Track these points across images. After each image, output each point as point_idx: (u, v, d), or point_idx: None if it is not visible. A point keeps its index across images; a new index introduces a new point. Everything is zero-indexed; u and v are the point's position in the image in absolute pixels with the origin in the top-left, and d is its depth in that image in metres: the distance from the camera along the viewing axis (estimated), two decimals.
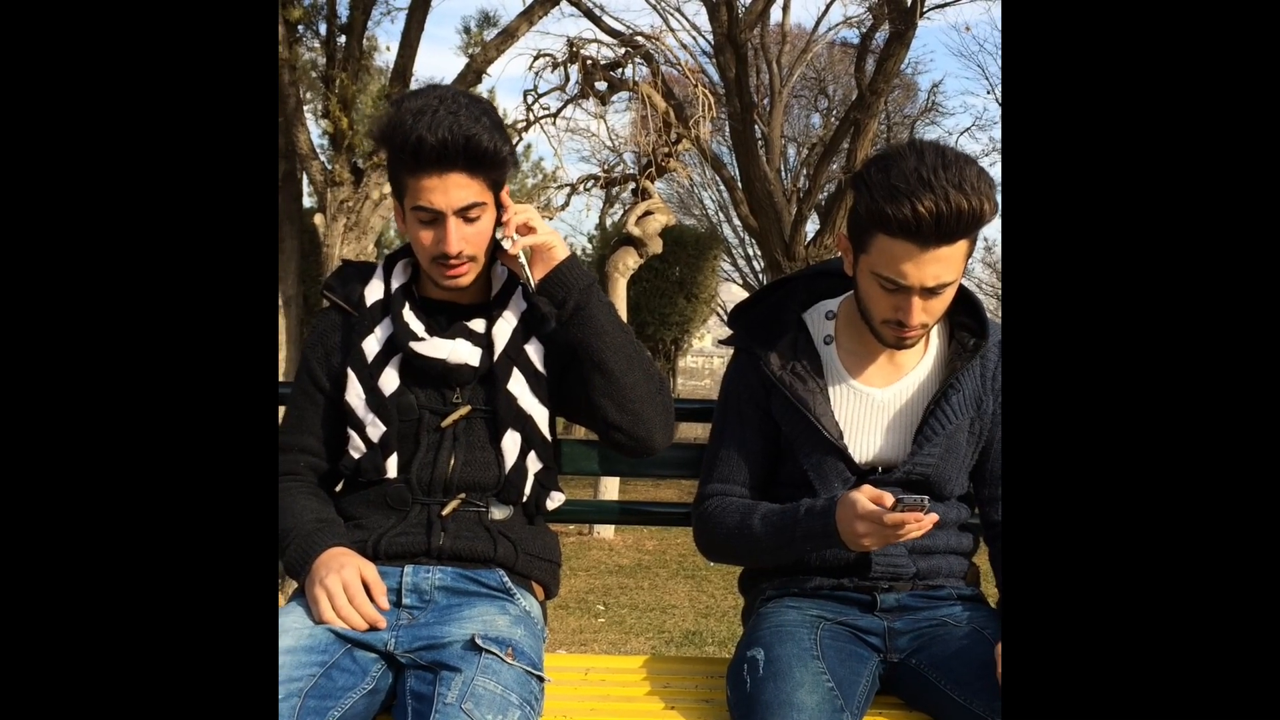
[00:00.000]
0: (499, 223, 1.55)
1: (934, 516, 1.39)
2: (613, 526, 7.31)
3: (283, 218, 5.18)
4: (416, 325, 1.57)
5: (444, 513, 1.55)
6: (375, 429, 1.54)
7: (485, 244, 1.54)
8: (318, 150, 5.04)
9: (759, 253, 13.58)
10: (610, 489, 7.28)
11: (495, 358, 1.57)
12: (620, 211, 7.52)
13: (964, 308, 1.61)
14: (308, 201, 5.69)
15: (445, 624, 1.47)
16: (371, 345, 1.57)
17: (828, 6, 21.01)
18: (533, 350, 1.60)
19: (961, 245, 1.44)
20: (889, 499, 1.39)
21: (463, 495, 1.56)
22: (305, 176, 5.18)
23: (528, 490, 1.59)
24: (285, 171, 5.22)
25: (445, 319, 1.59)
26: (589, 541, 7.11)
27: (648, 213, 6.75)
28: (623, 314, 7.62)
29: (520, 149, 18.00)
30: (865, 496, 1.41)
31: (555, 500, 1.63)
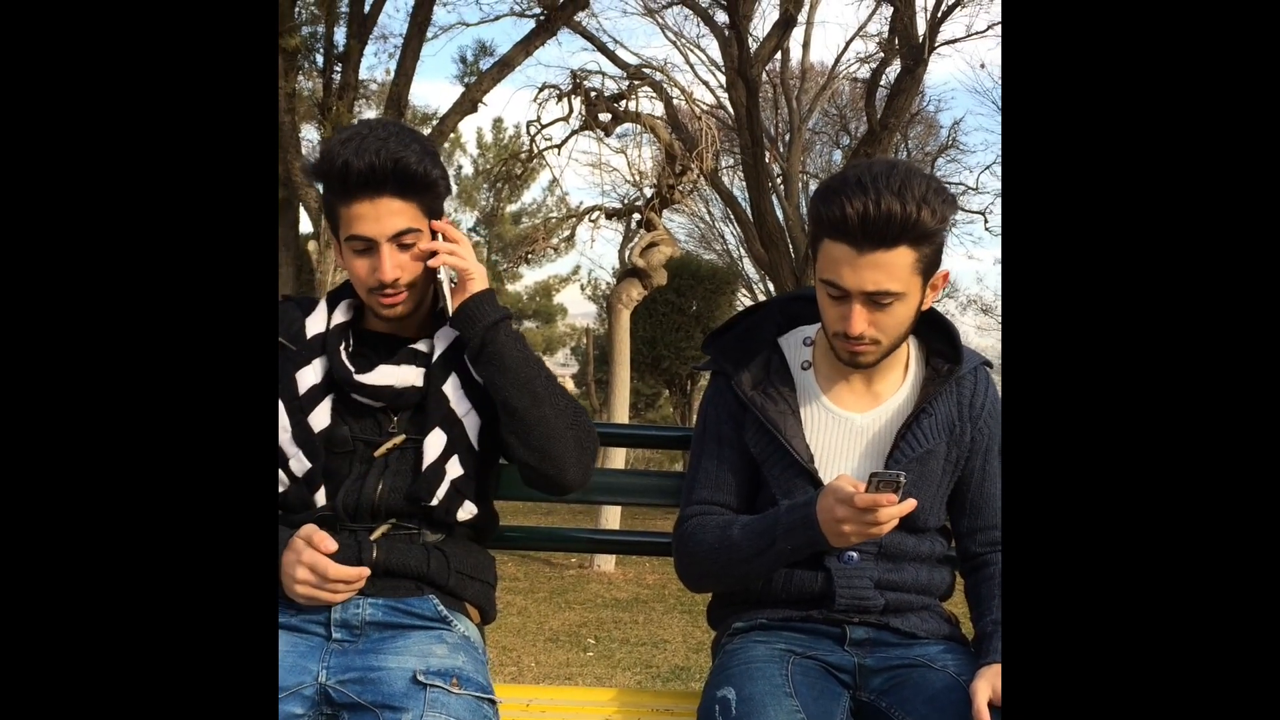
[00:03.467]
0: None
1: (911, 503, 1.36)
2: (613, 560, 7.25)
3: (280, 244, 5.22)
4: (350, 366, 1.55)
5: (372, 538, 1.51)
6: (299, 464, 1.51)
7: (421, 272, 1.53)
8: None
9: (775, 287, 13.60)
10: (612, 519, 7.24)
11: (433, 359, 1.56)
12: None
13: (938, 334, 1.60)
14: (306, 228, 5.74)
15: (380, 654, 1.43)
16: (307, 377, 1.54)
17: (846, 44, 21.10)
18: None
19: (902, 252, 1.41)
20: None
21: (392, 521, 1.53)
22: (301, 204, 5.22)
23: (441, 493, 1.53)
24: (282, 199, 5.26)
25: (388, 349, 1.57)
26: (588, 574, 7.05)
27: (652, 244, 6.77)
28: (626, 344, 7.65)
29: (545, 183, 18.25)
30: (845, 482, 1.38)
31: (468, 511, 1.56)
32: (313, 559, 1.43)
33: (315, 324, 1.58)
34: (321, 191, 1.53)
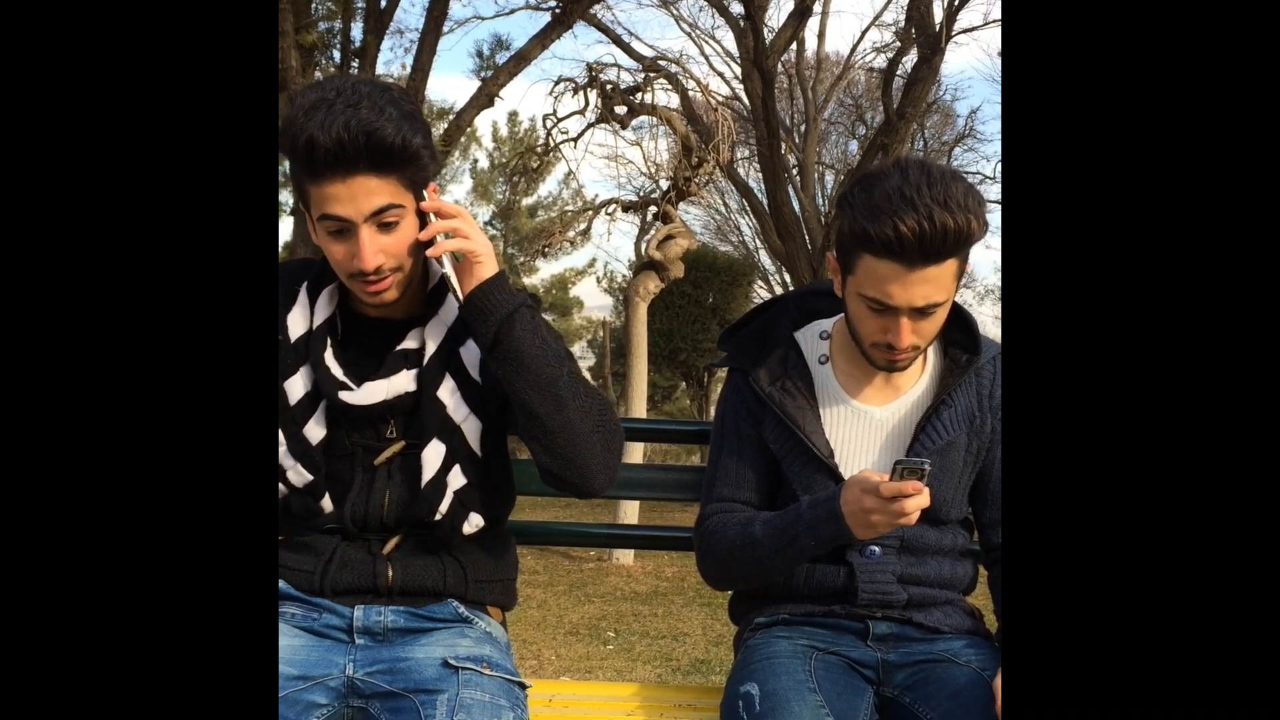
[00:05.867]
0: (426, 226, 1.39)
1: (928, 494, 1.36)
2: (632, 553, 7.26)
3: (298, 240, 5.25)
4: (338, 371, 1.42)
5: (384, 551, 1.45)
6: (299, 476, 1.43)
7: (408, 251, 1.36)
8: None
9: (792, 278, 13.58)
10: (630, 513, 7.25)
11: (424, 361, 1.42)
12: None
13: (956, 325, 1.58)
14: None
15: (407, 647, 1.42)
16: (296, 387, 1.42)
17: (862, 34, 20.99)
18: (468, 355, 1.45)
19: (950, 264, 1.40)
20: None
21: (404, 532, 1.46)
22: None
23: (443, 508, 1.43)
24: None
25: (378, 347, 1.45)
26: (607, 567, 7.07)
27: (669, 237, 6.77)
28: (644, 337, 7.64)
29: (561, 175, 18.11)
30: (867, 473, 1.38)
31: (473, 524, 1.45)
32: None
33: (295, 323, 1.43)
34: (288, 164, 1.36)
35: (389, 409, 1.43)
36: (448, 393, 1.43)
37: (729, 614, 1.74)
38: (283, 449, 1.42)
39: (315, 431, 1.42)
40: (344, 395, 1.40)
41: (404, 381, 1.43)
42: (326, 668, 1.38)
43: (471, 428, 1.44)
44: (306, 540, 1.47)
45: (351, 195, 1.29)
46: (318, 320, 1.44)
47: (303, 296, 1.45)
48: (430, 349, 1.43)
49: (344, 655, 1.41)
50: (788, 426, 1.54)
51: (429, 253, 1.37)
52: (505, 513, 1.60)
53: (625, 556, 7.25)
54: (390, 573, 1.44)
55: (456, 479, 1.44)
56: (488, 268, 1.37)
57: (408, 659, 1.40)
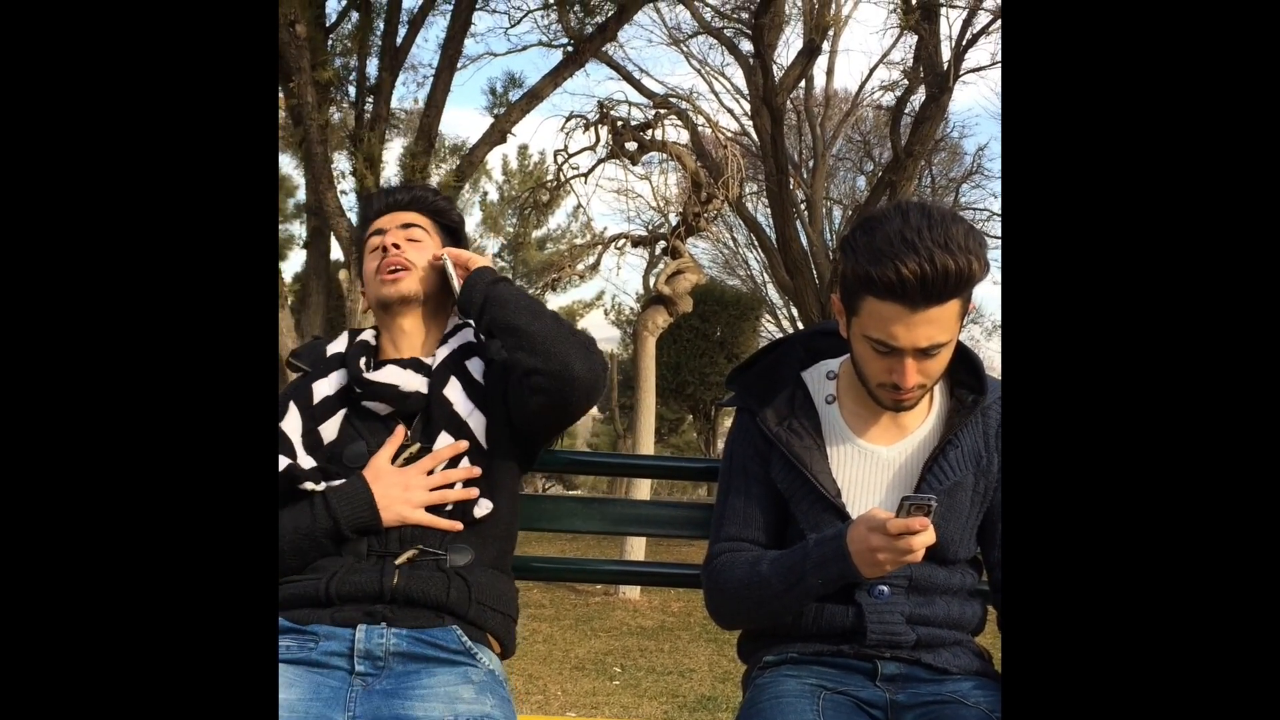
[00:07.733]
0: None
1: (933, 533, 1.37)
2: (638, 587, 7.23)
3: (311, 273, 5.30)
4: (361, 365, 1.66)
5: (397, 562, 1.51)
6: (306, 461, 1.58)
7: (423, 263, 1.70)
8: (345, 209, 5.17)
9: (800, 313, 13.62)
10: (637, 549, 7.22)
11: (434, 368, 1.64)
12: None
13: (962, 365, 1.60)
14: (336, 254, 5.83)
15: (407, 696, 1.41)
16: (322, 388, 1.65)
17: (870, 72, 21.20)
18: (474, 366, 1.66)
19: (953, 305, 1.42)
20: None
21: (419, 547, 1.53)
22: (333, 233, 5.30)
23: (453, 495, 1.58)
24: (314, 228, 5.34)
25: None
26: (613, 602, 7.04)
27: (677, 271, 6.81)
28: (652, 371, 7.65)
29: (570, 208, 18.31)
30: (875, 511, 1.39)
31: (483, 508, 1.59)
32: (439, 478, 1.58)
33: (335, 346, 1.72)
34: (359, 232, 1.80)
35: (401, 400, 1.62)
36: (455, 391, 1.63)
37: (737, 652, 1.74)
38: (296, 435, 1.61)
39: (330, 430, 1.62)
40: (366, 374, 1.63)
41: (417, 381, 1.63)
42: (329, 714, 1.37)
43: (478, 422, 1.62)
44: (314, 565, 1.52)
45: (393, 221, 1.75)
46: (356, 340, 1.73)
47: (344, 334, 1.77)
48: (440, 359, 1.67)
49: (342, 709, 1.40)
50: (795, 466, 1.55)
51: (434, 254, 1.72)
52: (508, 511, 1.65)
53: (632, 591, 7.22)
54: (396, 578, 1.50)
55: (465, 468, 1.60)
56: (481, 263, 1.69)
57: (409, 711, 1.39)
